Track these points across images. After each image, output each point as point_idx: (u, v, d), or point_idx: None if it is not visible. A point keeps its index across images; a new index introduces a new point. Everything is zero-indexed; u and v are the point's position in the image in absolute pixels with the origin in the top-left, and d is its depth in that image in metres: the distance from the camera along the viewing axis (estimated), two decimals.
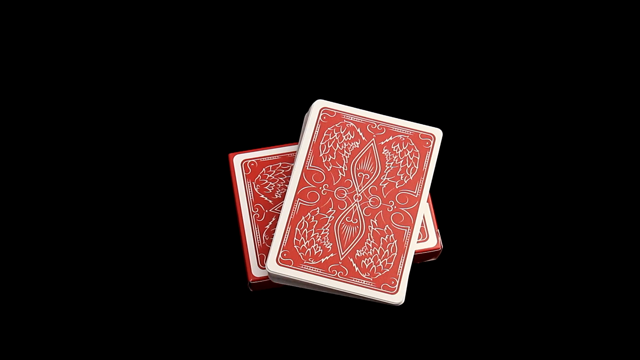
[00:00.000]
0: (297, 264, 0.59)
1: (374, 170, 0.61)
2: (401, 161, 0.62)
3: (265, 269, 0.60)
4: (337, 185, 0.61)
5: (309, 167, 0.61)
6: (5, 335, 0.63)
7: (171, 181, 0.67)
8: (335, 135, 0.62)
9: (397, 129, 0.62)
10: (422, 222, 0.62)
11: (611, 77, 0.71)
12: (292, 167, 0.63)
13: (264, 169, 0.63)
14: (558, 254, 0.65)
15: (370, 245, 0.59)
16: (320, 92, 0.70)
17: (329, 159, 0.61)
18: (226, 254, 0.65)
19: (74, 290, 0.64)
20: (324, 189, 0.61)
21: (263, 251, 0.61)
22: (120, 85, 0.70)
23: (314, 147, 0.62)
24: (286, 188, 0.63)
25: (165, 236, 0.65)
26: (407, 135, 0.62)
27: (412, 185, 0.61)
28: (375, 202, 0.60)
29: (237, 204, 0.62)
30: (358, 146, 0.62)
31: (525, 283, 0.64)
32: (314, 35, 0.73)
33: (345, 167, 0.61)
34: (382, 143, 0.62)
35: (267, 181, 0.63)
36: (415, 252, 0.61)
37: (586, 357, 0.63)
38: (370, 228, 0.60)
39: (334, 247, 0.59)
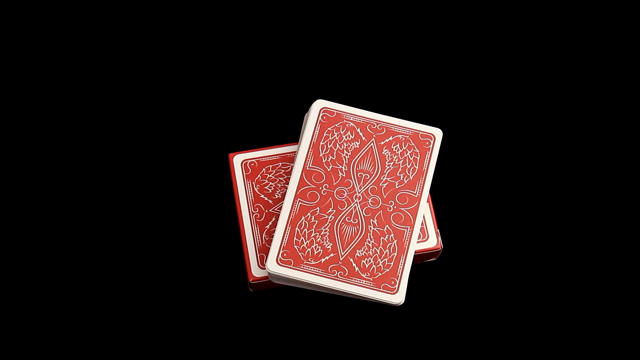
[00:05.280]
0: (297, 264, 0.59)
1: (374, 170, 0.61)
2: (401, 161, 0.62)
3: (265, 269, 0.60)
4: (337, 185, 0.61)
5: (309, 167, 0.61)
6: (6, 335, 0.63)
7: (171, 181, 0.67)
8: (335, 135, 0.62)
9: (397, 129, 0.62)
10: (422, 222, 0.62)
11: (611, 77, 0.71)
12: (292, 167, 0.63)
13: (264, 169, 0.63)
14: (558, 254, 0.65)
15: (370, 245, 0.59)
16: (320, 92, 0.70)
17: (329, 159, 0.61)
18: (226, 254, 0.65)
19: (75, 290, 0.64)
20: (324, 189, 0.61)
21: (263, 251, 0.61)
22: (120, 85, 0.70)
23: (314, 147, 0.62)
24: (286, 188, 0.62)
25: (165, 236, 0.65)
26: (407, 135, 0.62)
27: (412, 185, 0.61)
28: (375, 202, 0.60)
29: (237, 204, 0.62)
30: (358, 146, 0.62)
31: (525, 283, 0.65)
32: (313, 36, 0.73)
33: (345, 167, 0.61)
34: (382, 143, 0.62)
35: (267, 181, 0.63)
36: (415, 252, 0.61)
37: (586, 357, 0.63)
38: (370, 228, 0.60)
39: (334, 247, 0.59)
